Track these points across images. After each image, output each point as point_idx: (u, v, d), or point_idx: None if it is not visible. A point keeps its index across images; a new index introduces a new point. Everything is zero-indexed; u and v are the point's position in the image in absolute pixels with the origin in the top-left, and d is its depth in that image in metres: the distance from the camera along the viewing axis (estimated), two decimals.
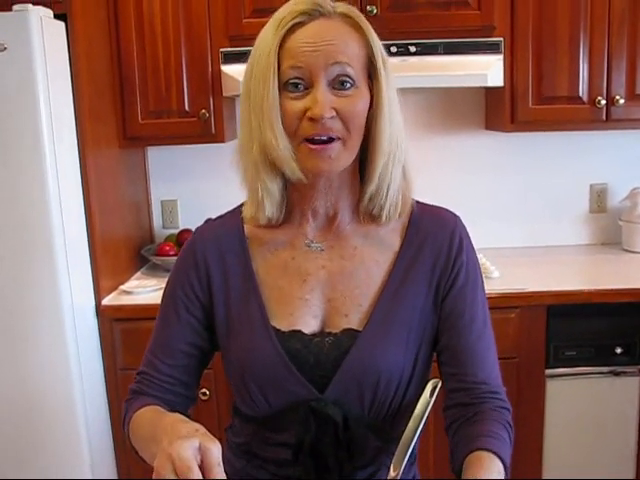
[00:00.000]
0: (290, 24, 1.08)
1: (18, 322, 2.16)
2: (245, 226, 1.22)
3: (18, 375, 2.20)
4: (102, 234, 2.40)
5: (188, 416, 1.03)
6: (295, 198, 1.19)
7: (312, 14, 1.08)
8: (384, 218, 1.17)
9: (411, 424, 0.98)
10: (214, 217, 1.28)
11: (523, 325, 2.35)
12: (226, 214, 1.27)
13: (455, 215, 1.23)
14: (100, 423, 2.37)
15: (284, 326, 1.15)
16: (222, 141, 2.57)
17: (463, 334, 1.16)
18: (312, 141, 1.07)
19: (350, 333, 1.13)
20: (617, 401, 2.43)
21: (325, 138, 1.07)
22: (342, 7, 1.11)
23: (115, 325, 2.36)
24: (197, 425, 0.94)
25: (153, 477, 0.86)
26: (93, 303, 2.36)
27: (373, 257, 1.18)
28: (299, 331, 1.14)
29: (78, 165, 2.27)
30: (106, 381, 2.41)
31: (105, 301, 2.39)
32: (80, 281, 2.27)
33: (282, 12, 1.10)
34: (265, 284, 1.18)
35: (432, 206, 1.24)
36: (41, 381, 2.21)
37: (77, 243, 2.26)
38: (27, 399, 2.22)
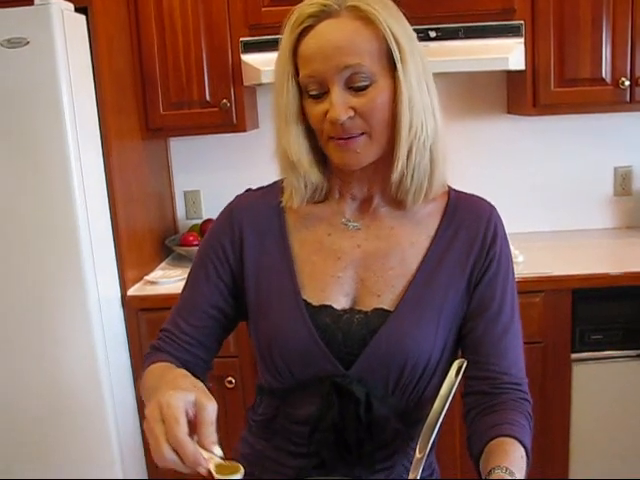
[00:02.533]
0: (299, 30, 1.08)
1: (45, 314, 2.19)
2: (284, 199, 1.23)
3: (45, 367, 2.23)
4: (126, 225, 2.42)
5: (203, 382, 1.02)
6: (334, 181, 1.21)
7: (319, 16, 1.07)
8: (409, 203, 1.17)
9: (437, 404, 0.97)
10: (255, 187, 1.30)
11: (548, 309, 2.33)
12: (267, 186, 1.29)
13: (491, 205, 1.23)
14: (128, 412, 2.40)
15: (314, 300, 1.16)
16: (244, 130, 2.57)
17: (490, 323, 1.16)
18: (335, 137, 1.09)
19: (380, 313, 1.14)
20: None
21: (347, 136, 1.09)
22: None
23: (141, 315, 2.38)
24: (197, 381, 0.96)
25: (144, 426, 0.87)
26: (119, 294, 2.38)
27: (409, 239, 1.19)
28: (329, 306, 1.15)
29: (101, 157, 2.29)
30: (133, 370, 2.43)
31: (130, 291, 2.41)
32: (105, 272, 2.29)
33: (294, 15, 1.10)
34: (299, 258, 1.19)
35: (469, 194, 1.25)
36: (68, 372, 2.23)
37: (102, 234, 2.29)
38: (54, 391, 2.25)
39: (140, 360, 2.35)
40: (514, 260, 2.39)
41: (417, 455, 0.95)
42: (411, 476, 0.93)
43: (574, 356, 2.38)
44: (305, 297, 1.16)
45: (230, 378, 2.36)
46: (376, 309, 1.15)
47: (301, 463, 1.18)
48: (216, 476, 0.84)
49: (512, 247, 2.52)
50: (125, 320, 2.40)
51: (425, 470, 1.23)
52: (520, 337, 1.18)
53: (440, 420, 0.95)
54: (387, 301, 1.15)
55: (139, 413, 2.45)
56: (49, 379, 2.24)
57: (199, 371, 1.21)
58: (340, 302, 1.16)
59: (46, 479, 2.27)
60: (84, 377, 2.24)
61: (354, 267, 1.18)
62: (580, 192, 2.97)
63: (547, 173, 2.96)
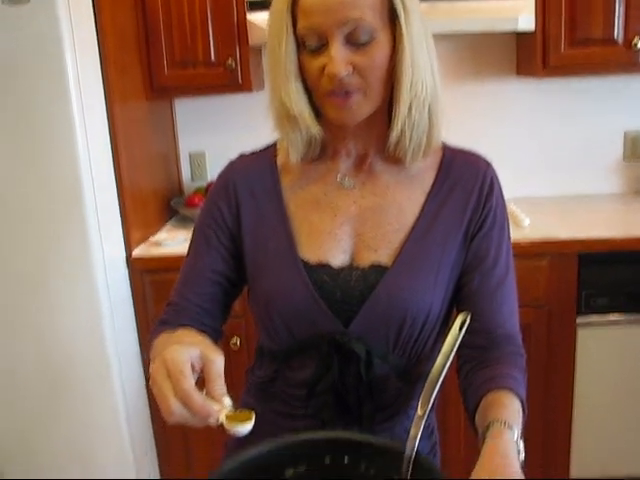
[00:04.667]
0: None
1: (50, 276, 2.19)
2: (278, 160, 1.23)
3: (50, 328, 2.23)
4: (131, 186, 2.40)
5: None
6: (328, 137, 1.18)
7: None
8: (408, 160, 1.16)
9: (439, 359, 0.96)
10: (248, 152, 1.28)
11: (554, 273, 2.32)
12: (260, 149, 1.28)
13: (487, 161, 1.22)
14: (133, 374, 2.41)
15: (312, 259, 1.15)
16: (249, 90, 2.54)
17: (485, 277, 1.16)
18: (333, 94, 1.07)
19: (378, 269, 1.14)
20: None
21: (344, 92, 1.06)
22: None
23: (145, 276, 2.38)
24: (202, 336, 0.95)
25: (150, 384, 0.86)
26: (124, 255, 2.38)
27: (405, 195, 1.18)
28: (327, 264, 1.15)
29: (105, 118, 2.27)
30: (138, 332, 2.44)
31: (135, 253, 2.41)
32: (110, 233, 2.29)
33: None
34: (295, 218, 1.19)
35: (464, 150, 1.24)
36: (74, 334, 2.24)
37: (106, 196, 2.27)
38: (60, 352, 2.26)
39: (145, 321, 2.38)
40: (520, 224, 2.41)
41: (418, 412, 0.94)
42: (412, 433, 0.92)
43: (579, 320, 2.38)
44: (302, 256, 1.16)
45: (235, 339, 2.37)
46: (373, 265, 1.14)
47: (299, 425, 1.18)
48: (226, 426, 0.84)
49: (518, 211, 2.53)
50: (130, 281, 2.40)
51: (424, 429, 1.24)
52: (515, 292, 1.19)
53: (443, 376, 0.94)
54: (384, 256, 1.15)
55: (145, 376, 2.46)
56: (54, 341, 2.25)
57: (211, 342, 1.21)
58: (338, 259, 1.16)
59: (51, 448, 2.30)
60: (90, 339, 2.24)
61: (351, 223, 1.17)
62: (589, 156, 2.93)
63: (556, 136, 2.92)
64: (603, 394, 2.47)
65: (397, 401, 1.19)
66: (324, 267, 1.15)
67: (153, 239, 2.51)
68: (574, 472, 2.55)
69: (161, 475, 2.61)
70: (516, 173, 2.84)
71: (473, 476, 0.86)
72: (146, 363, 2.43)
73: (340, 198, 1.19)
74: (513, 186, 2.68)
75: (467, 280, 1.16)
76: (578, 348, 2.40)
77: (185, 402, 0.82)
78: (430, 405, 0.94)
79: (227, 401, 0.85)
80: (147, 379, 2.41)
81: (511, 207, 2.51)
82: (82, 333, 2.24)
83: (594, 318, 2.38)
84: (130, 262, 2.39)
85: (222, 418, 0.84)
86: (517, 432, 0.94)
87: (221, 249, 1.21)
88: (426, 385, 0.95)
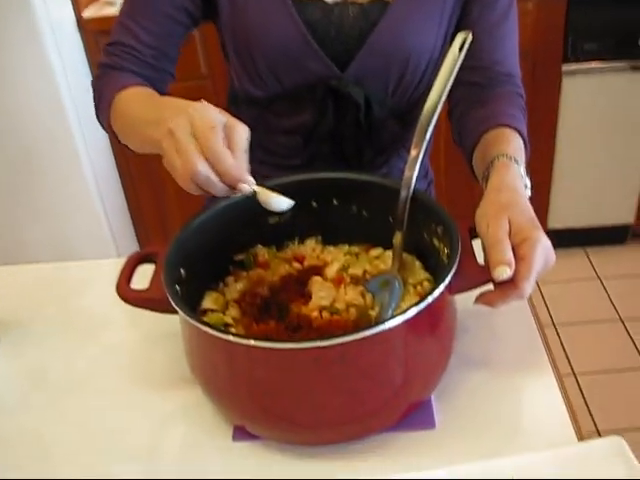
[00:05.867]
0: None
1: None
2: None
3: (9, 109, 2.10)
4: None
5: None
6: None
7: None
8: None
9: (436, 86, 0.84)
10: None
11: (541, 16, 2.17)
12: None
13: None
14: (100, 144, 2.30)
15: None
16: None
17: (486, 7, 1.03)
18: None
19: (379, 4, 0.99)
20: (635, 100, 2.33)
21: None
22: None
23: (100, 39, 2.18)
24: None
25: (162, 145, 0.72)
26: (72, 16, 2.17)
27: None
28: None
29: None
30: None
31: (86, 14, 2.18)
32: None
33: None
34: None
35: None
36: (32, 107, 2.11)
37: None
38: (24, 133, 2.15)
39: None
40: None
41: (412, 152, 0.85)
42: (407, 174, 0.84)
43: (565, 68, 2.27)
44: None
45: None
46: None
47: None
48: (261, 197, 0.74)
49: None
50: (84, 45, 2.21)
51: (419, 169, 1.16)
52: (516, 32, 1.07)
53: (439, 108, 0.83)
54: None
55: (112, 149, 2.36)
56: (15, 122, 2.12)
57: (165, 87, 1.05)
58: None
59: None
60: (50, 109, 2.12)
61: None
62: None
63: None
64: (584, 143, 2.43)
65: (394, 144, 1.12)
66: (315, 3, 0.99)
67: None
68: (551, 223, 2.58)
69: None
70: None
71: (479, 212, 0.79)
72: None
73: None
74: None
75: (468, 10, 1.03)
76: (562, 96, 2.31)
77: (215, 161, 0.69)
78: (425, 144, 0.85)
79: (250, 178, 0.73)
80: (115, 154, 2.30)
81: None
82: (40, 105, 2.10)
83: (580, 66, 2.26)
84: (81, 24, 2.18)
85: (255, 187, 0.73)
86: (523, 167, 0.87)
87: None
88: (420, 120, 0.84)
